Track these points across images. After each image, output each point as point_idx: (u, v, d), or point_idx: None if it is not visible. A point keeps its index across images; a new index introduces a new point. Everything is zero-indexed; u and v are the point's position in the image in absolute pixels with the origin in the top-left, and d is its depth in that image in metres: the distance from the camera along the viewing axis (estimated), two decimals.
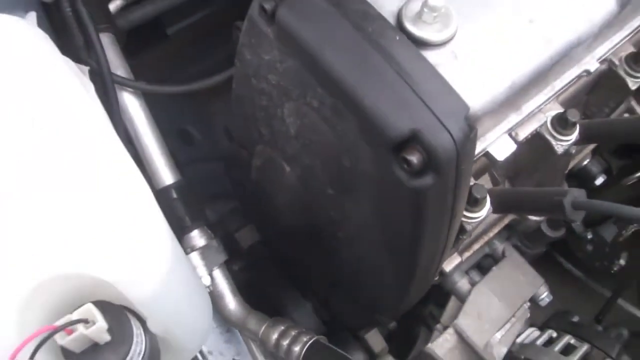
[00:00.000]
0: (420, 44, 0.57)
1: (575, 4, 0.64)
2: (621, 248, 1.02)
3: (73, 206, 0.48)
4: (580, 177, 0.94)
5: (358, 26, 0.53)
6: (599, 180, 0.94)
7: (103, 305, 0.48)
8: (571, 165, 0.92)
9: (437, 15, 0.56)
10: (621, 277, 1.02)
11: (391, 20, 0.58)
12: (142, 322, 0.53)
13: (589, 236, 1.03)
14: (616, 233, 1.01)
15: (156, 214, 0.54)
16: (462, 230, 0.68)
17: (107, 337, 0.48)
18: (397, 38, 0.54)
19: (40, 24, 0.64)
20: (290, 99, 0.60)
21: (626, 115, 0.89)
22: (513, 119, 0.66)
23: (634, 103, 0.89)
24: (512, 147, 0.67)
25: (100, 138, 0.52)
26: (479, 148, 0.65)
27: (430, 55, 0.57)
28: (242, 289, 0.87)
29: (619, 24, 0.72)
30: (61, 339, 0.46)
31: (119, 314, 0.50)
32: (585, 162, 0.93)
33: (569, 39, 0.63)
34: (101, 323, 0.46)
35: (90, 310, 0.46)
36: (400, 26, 0.57)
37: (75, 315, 0.46)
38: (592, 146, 0.92)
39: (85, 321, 0.46)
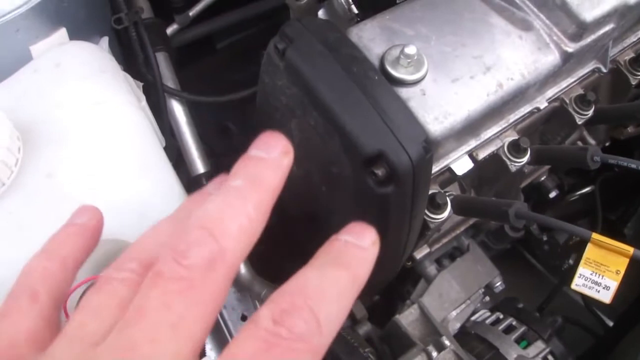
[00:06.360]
0: (396, 82, 0.63)
1: (527, 59, 0.68)
2: (571, 250, 1.06)
3: (115, 187, 0.55)
4: (538, 191, 0.98)
5: (346, 67, 0.59)
6: (553, 194, 0.96)
7: None
8: (531, 179, 0.96)
9: (410, 61, 0.62)
10: (569, 274, 1.06)
11: (376, 62, 0.64)
12: None
13: (545, 238, 1.08)
14: (567, 238, 1.06)
15: (179, 193, 0.61)
16: (426, 227, 0.74)
17: None
18: (376, 77, 0.60)
19: (111, 45, 0.72)
20: (294, 116, 0.66)
21: (579, 143, 0.93)
22: (472, 143, 0.72)
23: (585, 133, 0.93)
24: (470, 165, 0.72)
25: (140, 135, 0.59)
26: (443, 164, 0.71)
27: (403, 91, 0.64)
28: (261, 262, 0.93)
29: (567, 72, 0.76)
30: None
31: None
32: (543, 178, 0.97)
33: (518, 85, 0.67)
34: None
35: None
36: (382, 67, 0.64)
37: None
38: (549, 166, 0.96)
39: None
